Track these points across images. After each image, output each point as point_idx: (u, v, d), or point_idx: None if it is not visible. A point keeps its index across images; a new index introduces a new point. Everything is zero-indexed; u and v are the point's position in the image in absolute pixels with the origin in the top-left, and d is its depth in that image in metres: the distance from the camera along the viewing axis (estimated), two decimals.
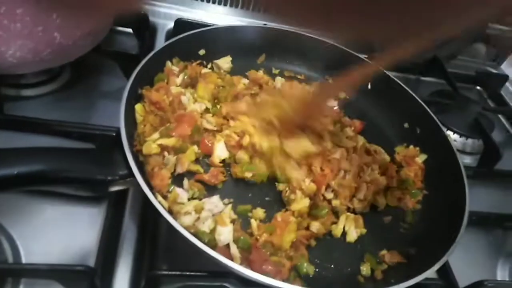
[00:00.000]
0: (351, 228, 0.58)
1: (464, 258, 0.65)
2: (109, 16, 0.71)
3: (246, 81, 0.76)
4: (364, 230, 0.59)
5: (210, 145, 0.60)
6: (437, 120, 0.71)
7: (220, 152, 0.60)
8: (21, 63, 0.60)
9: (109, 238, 0.55)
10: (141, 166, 0.53)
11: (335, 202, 0.59)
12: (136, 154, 0.55)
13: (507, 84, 1.10)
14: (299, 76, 0.83)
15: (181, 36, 0.72)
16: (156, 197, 0.49)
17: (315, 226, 0.56)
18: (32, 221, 0.56)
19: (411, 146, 0.72)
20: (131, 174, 0.49)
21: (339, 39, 0.83)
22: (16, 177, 0.41)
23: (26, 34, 0.57)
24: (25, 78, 0.71)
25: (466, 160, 0.85)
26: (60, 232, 0.56)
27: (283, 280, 0.45)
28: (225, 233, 0.51)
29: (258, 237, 0.53)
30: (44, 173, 0.43)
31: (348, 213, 0.59)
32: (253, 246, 0.51)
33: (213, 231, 0.51)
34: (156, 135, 0.58)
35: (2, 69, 0.60)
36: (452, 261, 0.59)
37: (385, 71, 0.81)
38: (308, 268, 0.51)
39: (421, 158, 0.71)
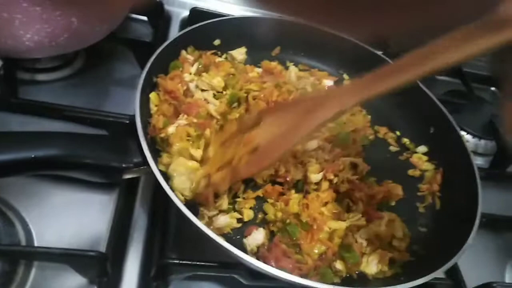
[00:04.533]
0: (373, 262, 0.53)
1: (473, 259, 0.64)
2: (126, 5, 0.71)
3: (259, 70, 0.76)
4: (386, 268, 0.53)
5: None
6: (452, 120, 0.70)
7: None
8: (38, 47, 0.60)
9: (120, 225, 0.55)
10: (155, 155, 0.53)
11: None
12: (150, 143, 0.55)
13: None
14: (313, 70, 0.82)
15: (196, 25, 0.72)
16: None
17: (339, 265, 0.52)
18: (44, 205, 0.56)
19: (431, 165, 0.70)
20: (145, 163, 0.49)
21: (354, 36, 0.82)
22: (32, 161, 0.42)
23: (45, 18, 0.57)
24: (40, 63, 0.71)
25: (478, 161, 0.84)
26: (71, 217, 0.56)
27: (302, 276, 0.45)
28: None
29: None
30: (60, 157, 0.43)
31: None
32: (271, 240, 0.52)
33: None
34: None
35: (19, 53, 0.60)
36: (460, 262, 0.59)
37: None
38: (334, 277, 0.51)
39: (421, 150, 0.72)
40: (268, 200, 0.56)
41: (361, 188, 0.58)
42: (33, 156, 0.42)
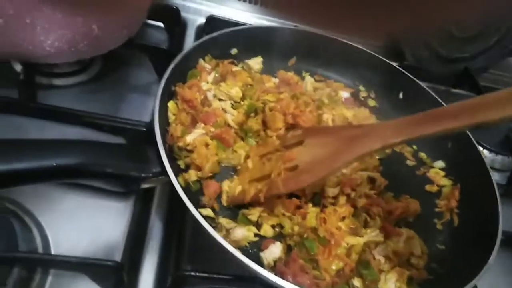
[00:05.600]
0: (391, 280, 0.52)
1: (489, 279, 0.63)
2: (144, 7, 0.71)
3: (276, 80, 0.76)
4: (404, 286, 0.52)
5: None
6: (470, 135, 0.69)
7: None
8: (58, 53, 0.60)
9: (135, 234, 0.55)
10: (172, 164, 0.53)
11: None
12: (169, 152, 0.55)
13: None
14: (329, 81, 0.82)
15: (214, 34, 0.72)
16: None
17: (357, 282, 0.51)
18: (61, 211, 0.56)
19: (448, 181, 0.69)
20: (164, 172, 0.49)
21: (365, 37, 0.82)
22: (54, 169, 0.41)
23: (66, 25, 0.57)
24: (57, 68, 0.72)
25: (495, 177, 0.83)
26: (87, 223, 0.56)
27: None
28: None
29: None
30: (82, 166, 0.43)
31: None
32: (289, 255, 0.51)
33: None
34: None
35: (39, 58, 0.61)
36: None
37: (417, 80, 0.79)
38: None
39: (438, 165, 0.71)
40: (285, 213, 0.55)
41: (378, 203, 0.58)
42: (55, 164, 0.41)
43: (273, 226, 0.54)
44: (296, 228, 0.53)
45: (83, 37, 0.60)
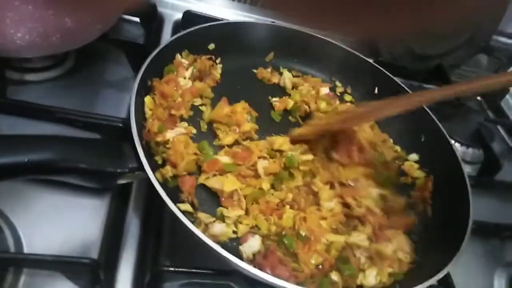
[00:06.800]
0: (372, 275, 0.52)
1: (462, 265, 0.66)
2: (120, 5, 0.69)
3: None
4: (385, 279, 0.52)
5: None
6: (442, 129, 0.71)
7: None
8: (29, 47, 0.59)
9: (112, 231, 0.54)
10: (149, 160, 0.52)
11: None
12: (146, 148, 0.54)
13: (507, 96, 1.11)
14: (305, 76, 0.83)
15: (191, 29, 0.71)
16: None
17: (335, 276, 0.51)
18: (34, 210, 0.54)
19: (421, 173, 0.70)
20: (141, 168, 0.48)
21: (347, 37, 0.84)
22: (26, 165, 0.40)
23: (37, 17, 0.55)
24: (29, 62, 0.69)
25: (466, 169, 0.85)
26: (61, 222, 0.54)
27: (298, 284, 0.45)
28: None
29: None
30: (55, 162, 0.42)
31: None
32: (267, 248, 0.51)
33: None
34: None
35: (9, 52, 0.59)
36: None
37: (392, 76, 0.81)
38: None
39: (412, 158, 0.73)
40: (261, 216, 0.55)
41: (374, 215, 0.58)
42: (27, 160, 0.40)
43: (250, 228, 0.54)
44: (273, 228, 0.53)
45: (56, 30, 0.59)
